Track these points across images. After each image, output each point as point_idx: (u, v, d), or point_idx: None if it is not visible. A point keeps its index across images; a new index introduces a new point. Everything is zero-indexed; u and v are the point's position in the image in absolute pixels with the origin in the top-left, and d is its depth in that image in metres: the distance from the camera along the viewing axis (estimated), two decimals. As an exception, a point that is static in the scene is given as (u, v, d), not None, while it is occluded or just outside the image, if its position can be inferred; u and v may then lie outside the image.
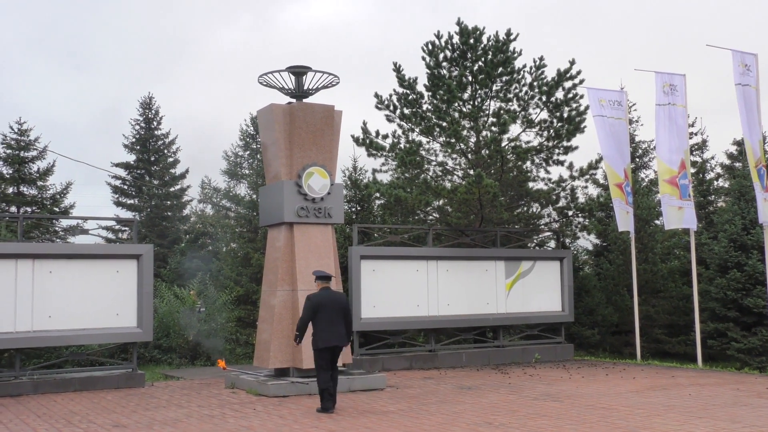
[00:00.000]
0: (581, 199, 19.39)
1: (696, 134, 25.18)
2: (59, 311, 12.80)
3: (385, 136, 18.48)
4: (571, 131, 17.94)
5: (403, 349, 16.36)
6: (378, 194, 18.22)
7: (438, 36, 18.30)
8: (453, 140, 17.51)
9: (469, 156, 18.29)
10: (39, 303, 12.65)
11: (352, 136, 18.52)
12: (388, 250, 16.09)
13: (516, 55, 18.15)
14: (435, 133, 18.23)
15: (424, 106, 18.42)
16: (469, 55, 18.16)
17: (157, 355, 17.08)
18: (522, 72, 18.27)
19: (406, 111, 18.41)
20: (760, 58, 16.65)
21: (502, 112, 17.87)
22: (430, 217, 19.85)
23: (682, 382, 13.35)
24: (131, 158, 28.44)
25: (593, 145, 23.73)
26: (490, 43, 18.10)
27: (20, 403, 11.34)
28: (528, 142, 18.48)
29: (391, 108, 18.59)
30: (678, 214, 16.61)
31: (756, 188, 16.12)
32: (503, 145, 17.51)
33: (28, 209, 21.70)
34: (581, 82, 18.06)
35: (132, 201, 28.21)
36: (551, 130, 18.19)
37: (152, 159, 28.45)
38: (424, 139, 18.48)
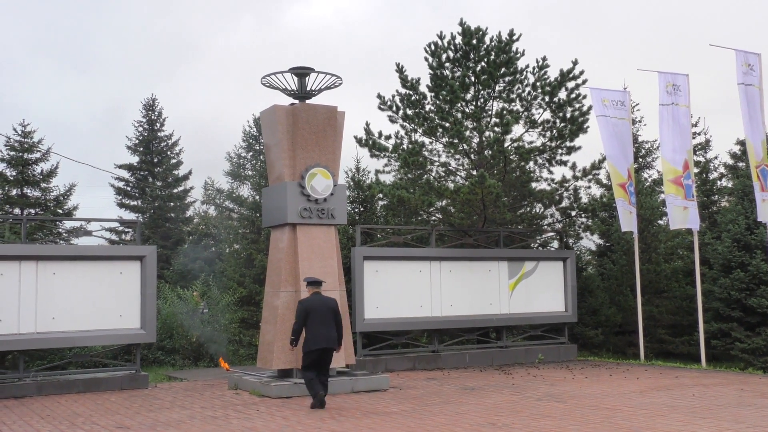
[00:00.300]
0: (584, 200, 19.38)
1: (699, 134, 25.18)
2: (63, 313, 12.80)
3: (388, 137, 18.48)
4: (574, 131, 17.92)
5: (406, 350, 16.35)
6: (381, 195, 18.22)
7: (441, 36, 18.29)
8: (456, 141, 17.50)
9: (472, 156, 18.28)
10: (42, 304, 12.65)
11: (355, 137, 18.54)
12: (391, 251, 16.09)
13: (519, 55, 18.12)
14: (438, 134, 18.22)
15: (427, 107, 18.41)
16: (471, 55, 18.14)
17: (160, 356, 17.10)
18: (525, 72, 18.24)
19: (409, 112, 18.39)
20: (763, 57, 16.64)
21: (504, 112, 17.85)
22: (433, 218, 19.83)
23: (685, 382, 13.32)
24: (134, 160, 28.54)
25: (596, 145, 23.77)
26: (493, 43, 18.08)
27: (24, 405, 11.34)
28: (531, 142, 18.48)
29: (394, 109, 18.59)
30: (683, 214, 16.57)
31: (756, 188, 16.09)
32: (506, 145, 17.51)
33: (32, 211, 21.72)
34: (584, 82, 18.06)
35: (135, 202, 28.30)
36: (554, 131, 18.16)
37: (155, 160, 28.52)
38: (426, 140, 18.48)
